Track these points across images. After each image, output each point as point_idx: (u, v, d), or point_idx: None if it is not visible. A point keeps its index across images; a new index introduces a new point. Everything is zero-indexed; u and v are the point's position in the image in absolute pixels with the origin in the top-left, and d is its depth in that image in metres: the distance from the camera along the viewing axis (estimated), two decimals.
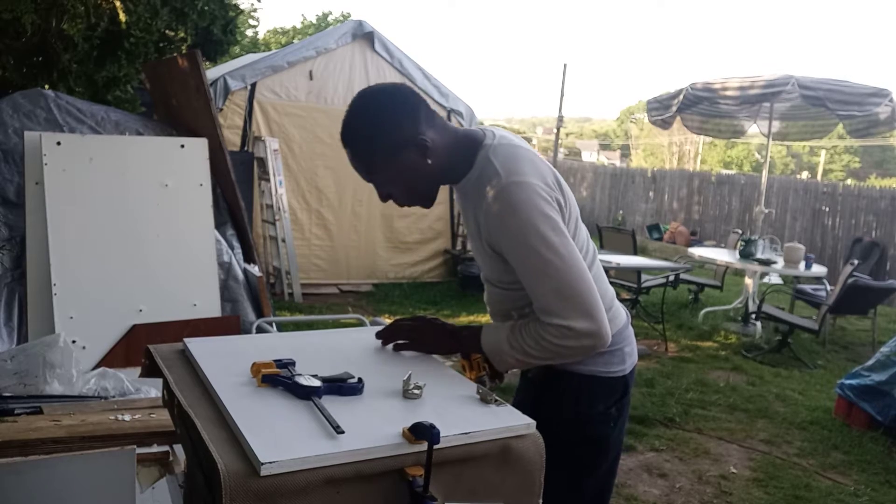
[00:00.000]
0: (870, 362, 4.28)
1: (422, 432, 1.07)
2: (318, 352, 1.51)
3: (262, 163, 6.52)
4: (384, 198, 1.51)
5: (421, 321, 1.59)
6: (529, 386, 1.61)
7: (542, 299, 1.37)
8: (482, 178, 1.42)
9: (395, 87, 1.48)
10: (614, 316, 1.56)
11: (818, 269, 6.56)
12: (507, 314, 1.55)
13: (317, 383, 1.24)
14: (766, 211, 8.28)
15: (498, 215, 1.37)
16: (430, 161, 1.43)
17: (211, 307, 3.69)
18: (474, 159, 1.45)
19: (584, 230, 1.55)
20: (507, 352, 1.43)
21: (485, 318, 6.38)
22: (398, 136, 1.41)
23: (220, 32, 7.58)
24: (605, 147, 47.19)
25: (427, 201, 1.53)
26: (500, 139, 1.46)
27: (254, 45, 18.32)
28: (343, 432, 1.09)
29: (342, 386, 1.27)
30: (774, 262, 6.51)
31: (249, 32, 18.45)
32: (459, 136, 1.49)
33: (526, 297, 1.44)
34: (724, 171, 18.71)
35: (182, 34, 6.69)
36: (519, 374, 1.68)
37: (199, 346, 1.47)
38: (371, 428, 1.13)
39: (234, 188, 4.08)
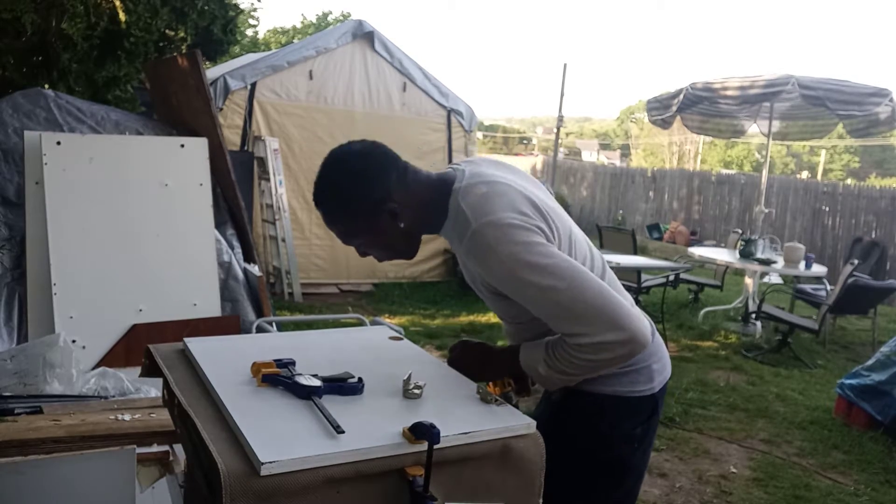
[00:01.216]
0: (870, 362, 4.28)
1: (422, 432, 1.07)
2: (318, 352, 1.51)
3: (262, 162, 6.51)
4: (363, 255, 1.51)
5: (459, 351, 1.53)
6: (551, 407, 1.53)
7: (559, 325, 1.31)
8: (458, 227, 1.38)
9: (365, 150, 1.44)
10: None
11: (818, 269, 6.55)
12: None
13: (317, 383, 1.24)
14: (766, 211, 8.27)
15: (480, 260, 1.34)
16: (402, 224, 1.42)
17: (211, 307, 3.69)
18: (447, 207, 1.42)
19: (583, 245, 1.49)
20: (545, 375, 1.38)
21: (484, 318, 6.39)
22: (368, 203, 1.39)
23: (220, 32, 7.58)
24: (605, 147, 47.20)
25: (407, 256, 1.51)
26: (469, 178, 1.41)
27: (254, 45, 18.31)
28: (343, 432, 1.09)
29: (342, 386, 1.27)
30: (774, 262, 6.50)
31: (249, 32, 18.44)
32: (433, 185, 1.45)
33: (538, 328, 1.40)
34: (724, 171, 18.71)
35: (182, 34, 6.70)
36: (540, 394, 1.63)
37: (199, 346, 1.47)
38: (371, 428, 1.13)
39: (234, 188, 4.08)
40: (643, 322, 1.32)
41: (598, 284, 1.31)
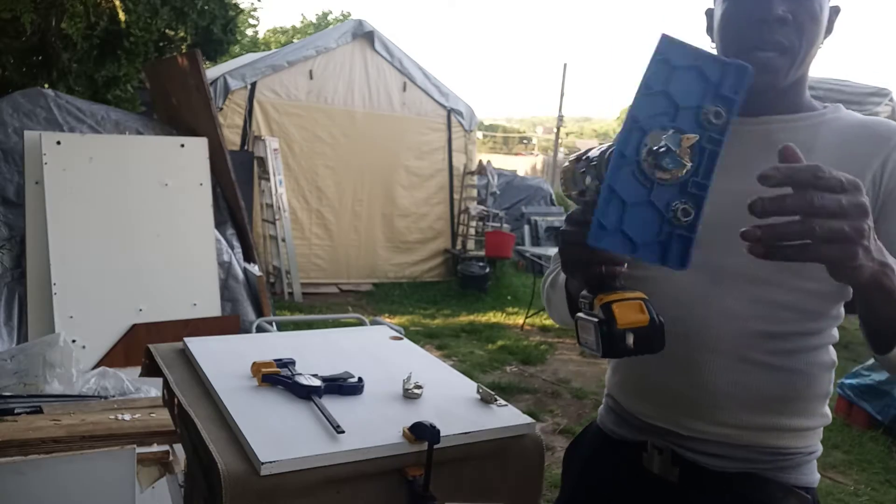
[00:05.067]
0: (870, 362, 4.28)
1: (422, 432, 1.07)
2: (318, 351, 1.51)
3: (262, 162, 6.51)
4: (781, 21, 1.36)
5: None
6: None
7: None
8: (876, 126, 1.20)
9: None
10: None
11: None
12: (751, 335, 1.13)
13: (317, 383, 1.24)
14: None
15: None
16: (823, 42, 1.33)
17: (211, 307, 3.69)
18: (809, 104, 1.29)
19: None
20: None
21: (484, 318, 6.38)
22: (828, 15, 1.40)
23: (220, 32, 7.59)
24: None
25: (779, 56, 1.31)
26: None
27: (254, 45, 18.32)
28: (343, 432, 1.08)
29: (342, 385, 1.27)
30: None
31: (249, 32, 18.45)
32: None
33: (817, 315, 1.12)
34: None
35: (182, 33, 6.70)
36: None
37: (199, 346, 1.47)
38: (371, 428, 1.12)
39: (234, 188, 4.08)
40: None
41: None
